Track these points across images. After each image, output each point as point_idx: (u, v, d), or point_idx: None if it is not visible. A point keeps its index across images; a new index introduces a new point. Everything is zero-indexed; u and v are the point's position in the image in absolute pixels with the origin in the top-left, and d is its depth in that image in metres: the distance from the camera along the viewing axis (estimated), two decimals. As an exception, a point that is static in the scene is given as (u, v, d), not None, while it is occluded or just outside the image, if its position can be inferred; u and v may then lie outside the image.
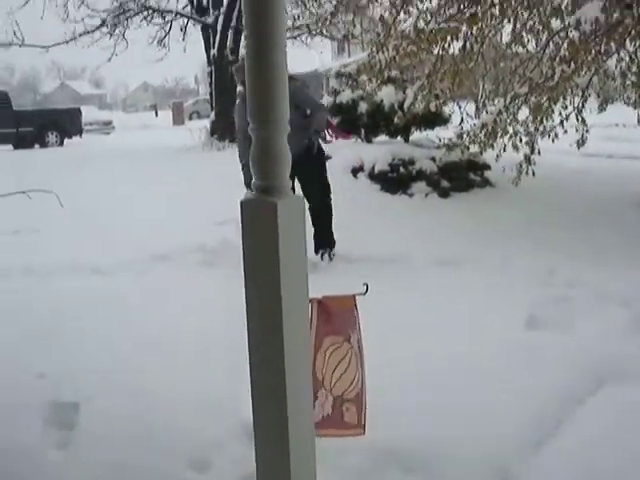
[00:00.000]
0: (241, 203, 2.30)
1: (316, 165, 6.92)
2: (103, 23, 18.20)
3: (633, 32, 7.87)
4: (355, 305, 3.06)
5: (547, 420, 3.49)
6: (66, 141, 24.41)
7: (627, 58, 8.78)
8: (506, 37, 9.45)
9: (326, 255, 6.89)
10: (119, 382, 3.96)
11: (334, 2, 10.41)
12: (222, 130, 16.17)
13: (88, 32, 18.20)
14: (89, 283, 6.30)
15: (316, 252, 6.86)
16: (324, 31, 17.23)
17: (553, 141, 8.33)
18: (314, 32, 17.24)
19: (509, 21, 8.89)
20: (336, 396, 2.95)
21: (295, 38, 19.92)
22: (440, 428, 3.38)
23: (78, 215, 8.71)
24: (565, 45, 7.70)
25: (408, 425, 3.38)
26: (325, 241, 6.95)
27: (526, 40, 9.02)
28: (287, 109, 2.28)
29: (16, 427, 3.48)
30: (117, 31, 18.59)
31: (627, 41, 8.22)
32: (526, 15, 8.76)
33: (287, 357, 2.27)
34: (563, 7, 8.27)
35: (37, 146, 23.28)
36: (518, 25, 8.95)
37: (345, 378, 2.97)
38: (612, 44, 7.85)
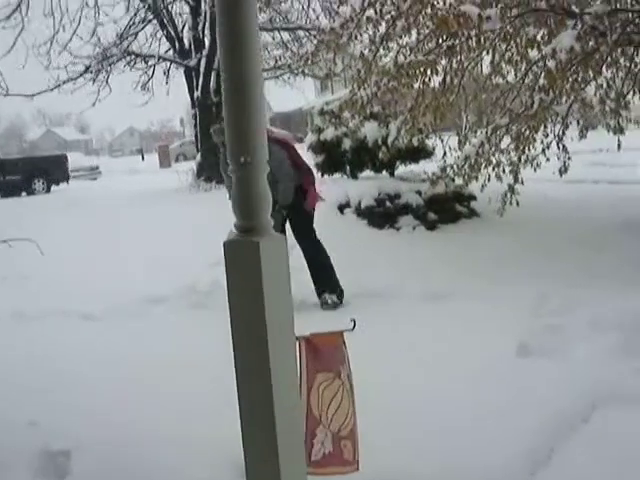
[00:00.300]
0: (224, 244, 2.31)
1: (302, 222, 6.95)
2: (87, 69, 18.28)
3: (609, 59, 7.98)
4: (343, 341, 3.06)
5: (540, 449, 3.48)
6: (53, 188, 24.47)
7: (605, 85, 8.88)
8: (486, 69, 9.56)
9: (331, 298, 6.84)
10: (111, 429, 3.93)
11: (315, 42, 10.52)
12: (208, 171, 16.21)
13: (72, 79, 18.28)
14: (79, 328, 6.28)
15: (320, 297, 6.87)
16: (306, 70, 17.42)
17: (535, 170, 8.40)
18: (296, 71, 17.40)
19: (487, 53, 8.99)
20: (334, 433, 2.93)
21: (278, 78, 20.09)
22: (431, 458, 3.37)
23: (67, 261, 8.72)
24: (543, 75, 7.78)
25: (399, 456, 3.37)
26: (329, 287, 6.89)
27: (505, 71, 9.11)
28: (266, 150, 2.30)
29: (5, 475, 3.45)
30: (100, 77, 18.68)
31: (604, 68, 8.33)
32: (504, 47, 8.87)
33: (275, 395, 2.27)
34: (539, 37, 8.39)
35: (24, 194, 23.29)
36: (497, 57, 9.07)
37: (339, 414, 2.96)
38: (589, 72, 7.94)
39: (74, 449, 3.68)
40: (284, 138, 7.52)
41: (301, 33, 17.60)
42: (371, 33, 8.57)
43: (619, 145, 10.40)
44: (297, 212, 6.83)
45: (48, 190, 24.07)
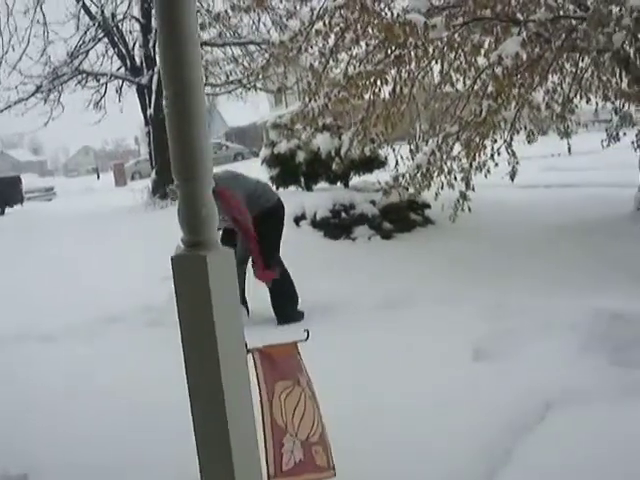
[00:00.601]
0: (172, 259, 2.32)
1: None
2: (37, 89, 18.08)
3: (554, 65, 8.13)
4: (298, 351, 3.07)
5: (497, 450, 3.52)
6: (7, 210, 24.14)
7: (551, 90, 9.04)
8: (436, 78, 9.68)
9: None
10: (67, 453, 3.89)
11: (266, 55, 10.53)
12: (163, 189, 16.13)
13: (22, 99, 18.07)
14: (35, 349, 6.21)
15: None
16: (259, 84, 17.41)
17: (486, 176, 8.50)
18: (248, 86, 17.39)
19: (436, 62, 9.11)
20: (302, 440, 2.93)
21: (230, 93, 20.05)
22: (392, 462, 3.40)
23: (21, 283, 8.61)
24: (491, 82, 7.90)
25: (362, 460, 3.39)
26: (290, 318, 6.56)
27: (455, 79, 9.23)
28: (210, 165, 2.31)
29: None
30: (52, 96, 18.49)
31: (550, 74, 8.48)
32: (452, 55, 9.00)
33: (228, 407, 2.27)
34: (486, 45, 8.53)
35: (-23, 217, 22.99)
36: (445, 65, 9.19)
37: (306, 421, 2.96)
38: (535, 77, 8.08)
39: (32, 473, 3.65)
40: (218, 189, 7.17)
41: (252, 47, 17.60)
42: (321, 45, 8.63)
43: (569, 149, 10.59)
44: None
45: (2, 212, 23.74)
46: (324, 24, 8.17)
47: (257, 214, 6.46)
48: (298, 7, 8.51)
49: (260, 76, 9.77)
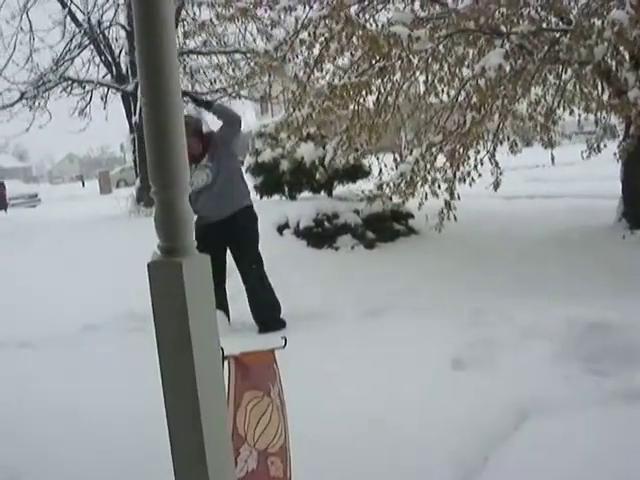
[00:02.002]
0: (148, 265, 2.32)
1: (245, 235, 6.75)
2: (22, 96, 18.05)
3: (537, 77, 8.20)
4: (274, 359, 3.08)
5: (473, 458, 3.54)
6: (-9, 216, 24.03)
7: (534, 101, 9.12)
8: (421, 89, 9.74)
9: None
10: (47, 461, 3.88)
11: (251, 64, 10.55)
12: (148, 196, 16.10)
13: (7, 106, 18.03)
14: (17, 357, 6.19)
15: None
16: (244, 93, 17.43)
17: (470, 185, 8.54)
18: (233, 95, 17.39)
19: (421, 73, 9.17)
20: (260, 450, 2.92)
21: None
22: (367, 466, 3.41)
23: (3, 290, 8.57)
24: (474, 93, 7.95)
25: (336, 462, 3.41)
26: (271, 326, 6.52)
27: (440, 90, 9.29)
28: (187, 172, 2.32)
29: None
30: (37, 103, 18.45)
31: (533, 86, 8.55)
32: (436, 67, 9.06)
33: (203, 416, 2.28)
34: (470, 57, 8.59)
35: (-40, 223, 22.86)
36: (430, 76, 9.25)
37: (268, 432, 2.96)
38: (518, 89, 8.13)
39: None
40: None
41: (238, 56, 17.61)
42: (305, 55, 8.66)
43: (552, 159, 10.68)
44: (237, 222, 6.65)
45: (-15, 219, 23.67)
46: (309, 34, 8.19)
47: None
48: (282, 16, 8.50)
49: (245, 84, 9.75)
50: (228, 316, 6.58)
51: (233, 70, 16.59)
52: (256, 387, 2.94)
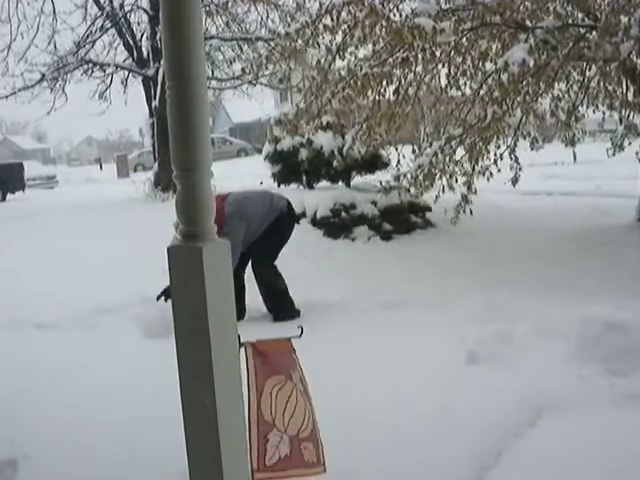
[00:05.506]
0: (168, 249, 2.32)
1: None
2: (42, 77, 18.06)
3: (561, 73, 8.13)
4: (292, 348, 3.06)
5: (487, 453, 3.52)
6: (9, 196, 24.09)
7: (557, 98, 9.05)
8: (443, 81, 9.67)
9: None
10: (59, 440, 3.89)
11: (272, 45, 10.44)
12: (165, 181, 16.09)
13: (28, 87, 18.04)
14: (32, 338, 6.19)
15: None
16: (264, 80, 17.40)
17: (488, 180, 8.50)
18: (253, 81, 17.35)
19: (443, 65, 9.10)
20: (292, 436, 2.91)
21: (235, 88, 20.05)
22: (382, 459, 3.40)
23: (22, 270, 8.59)
24: (497, 87, 7.89)
25: (356, 458, 3.40)
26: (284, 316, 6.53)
27: (462, 83, 9.23)
28: (210, 156, 2.31)
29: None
30: (57, 85, 18.45)
31: (556, 82, 8.48)
32: (459, 59, 8.99)
33: (218, 399, 2.27)
34: (494, 50, 8.52)
35: (-22, 202, 22.98)
36: (452, 69, 9.18)
37: (296, 416, 2.95)
38: (541, 85, 8.07)
39: (22, 459, 3.65)
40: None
41: (260, 44, 17.54)
42: (328, 41, 8.59)
43: (574, 157, 10.62)
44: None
45: (3, 199, 23.69)
46: (332, 19, 8.12)
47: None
48: (307, 2, 8.45)
49: (264, 67, 9.65)
50: (244, 303, 6.57)
51: (253, 57, 16.54)
52: (277, 372, 2.93)
